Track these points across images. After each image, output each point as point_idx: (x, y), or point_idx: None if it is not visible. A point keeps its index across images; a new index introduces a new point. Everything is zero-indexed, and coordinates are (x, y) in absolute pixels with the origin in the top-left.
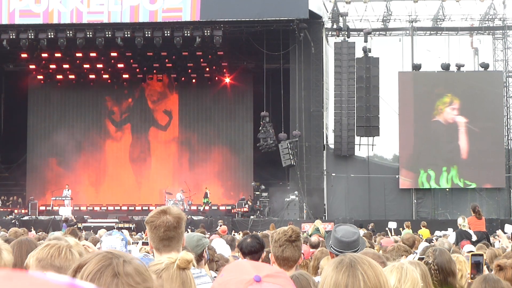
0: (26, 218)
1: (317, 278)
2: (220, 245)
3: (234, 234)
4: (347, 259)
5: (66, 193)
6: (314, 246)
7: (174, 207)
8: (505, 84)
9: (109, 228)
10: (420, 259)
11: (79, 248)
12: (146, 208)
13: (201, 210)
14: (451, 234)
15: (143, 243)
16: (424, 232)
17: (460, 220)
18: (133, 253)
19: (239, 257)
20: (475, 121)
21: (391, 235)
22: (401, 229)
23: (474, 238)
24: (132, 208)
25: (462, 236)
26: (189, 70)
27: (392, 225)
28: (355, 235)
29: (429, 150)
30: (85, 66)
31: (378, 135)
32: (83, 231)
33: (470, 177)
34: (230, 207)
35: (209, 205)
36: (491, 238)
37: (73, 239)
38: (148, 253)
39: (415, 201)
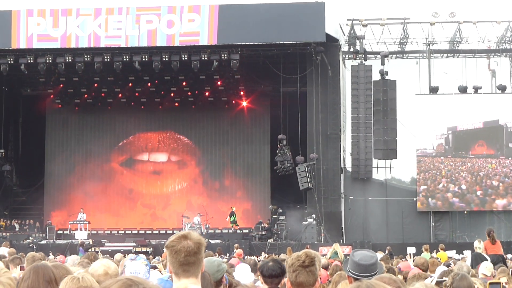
0: (43, 242)
1: None
2: (243, 271)
3: (257, 258)
4: (364, 285)
5: (80, 216)
6: (325, 267)
7: (194, 232)
8: None
9: (126, 252)
10: (440, 282)
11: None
12: (164, 232)
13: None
14: (468, 257)
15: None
16: (442, 255)
17: (476, 243)
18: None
19: (259, 280)
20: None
21: (411, 259)
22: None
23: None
24: (150, 232)
25: (478, 259)
26: (207, 94)
27: (411, 250)
28: (373, 259)
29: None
30: (102, 90)
31: (396, 158)
32: (100, 254)
33: None
34: (247, 231)
35: (235, 224)
36: (508, 262)
37: (101, 266)
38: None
39: (433, 224)
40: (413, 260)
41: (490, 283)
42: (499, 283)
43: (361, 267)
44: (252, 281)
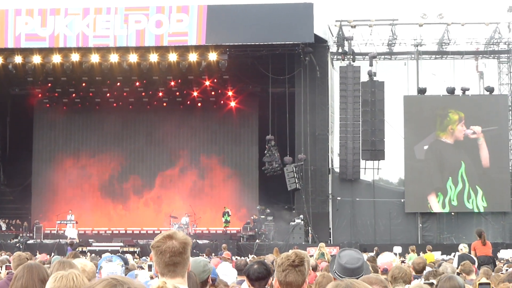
0: (31, 241)
1: None
2: (226, 269)
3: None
4: (344, 284)
5: (69, 218)
6: (312, 268)
7: (180, 231)
8: (510, 108)
9: (114, 252)
10: (431, 284)
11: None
12: (151, 232)
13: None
14: (454, 258)
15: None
16: (429, 256)
17: (461, 246)
18: (140, 277)
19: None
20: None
21: (399, 259)
22: (406, 254)
23: (476, 263)
24: (137, 232)
25: (465, 259)
26: (195, 94)
27: (397, 249)
28: (359, 261)
29: (439, 172)
30: (90, 90)
31: (384, 159)
32: (88, 254)
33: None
34: (235, 231)
35: (227, 225)
36: (497, 263)
37: (79, 264)
38: (152, 278)
39: (421, 225)
40: (401, 261)
41: (480, 284)
42: (489, 283)
43: (347, 270)
44: (235, 280)
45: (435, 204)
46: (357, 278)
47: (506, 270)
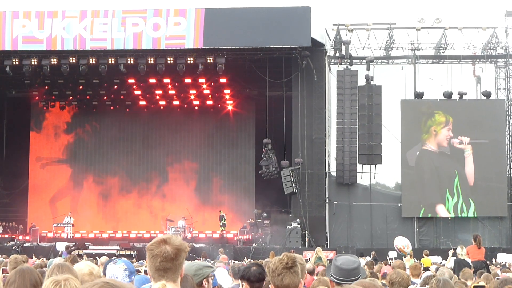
0: (27, 244)
1: None
2: (221, 275)
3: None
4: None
5: (67, 220)
6: (310, 272)
7: (177, 237)
8: (507, 113)
9: (110, 255)
10: None
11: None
12: (148, 235)
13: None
14: (448, 262)
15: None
16: (426, 261)
17: (458, 250)
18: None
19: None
20: (476, 148)
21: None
22: (403, 258)
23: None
24: (134, 235)
25: (461, 265)
26: (192, 97)
27: (393, 254)
28: (355, 264)
29: (432, 179)
30: (87, 92)
31: (380, 163)
32: (84, 257)
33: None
34: (231, 235)
35: (224, 228)
36: (491, 267)
37: (86, 266)
38: None
39: (417, 229)
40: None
41: (475, 286)
42: (483, 286)
43: (343, 271)
44: (230, 285)
45: (443, 211)
46: (354, 281)
47: (504, 274)
